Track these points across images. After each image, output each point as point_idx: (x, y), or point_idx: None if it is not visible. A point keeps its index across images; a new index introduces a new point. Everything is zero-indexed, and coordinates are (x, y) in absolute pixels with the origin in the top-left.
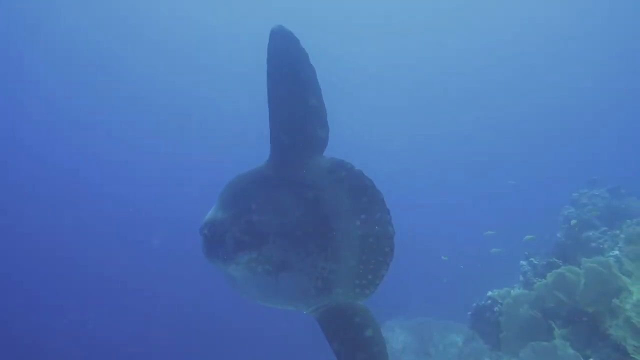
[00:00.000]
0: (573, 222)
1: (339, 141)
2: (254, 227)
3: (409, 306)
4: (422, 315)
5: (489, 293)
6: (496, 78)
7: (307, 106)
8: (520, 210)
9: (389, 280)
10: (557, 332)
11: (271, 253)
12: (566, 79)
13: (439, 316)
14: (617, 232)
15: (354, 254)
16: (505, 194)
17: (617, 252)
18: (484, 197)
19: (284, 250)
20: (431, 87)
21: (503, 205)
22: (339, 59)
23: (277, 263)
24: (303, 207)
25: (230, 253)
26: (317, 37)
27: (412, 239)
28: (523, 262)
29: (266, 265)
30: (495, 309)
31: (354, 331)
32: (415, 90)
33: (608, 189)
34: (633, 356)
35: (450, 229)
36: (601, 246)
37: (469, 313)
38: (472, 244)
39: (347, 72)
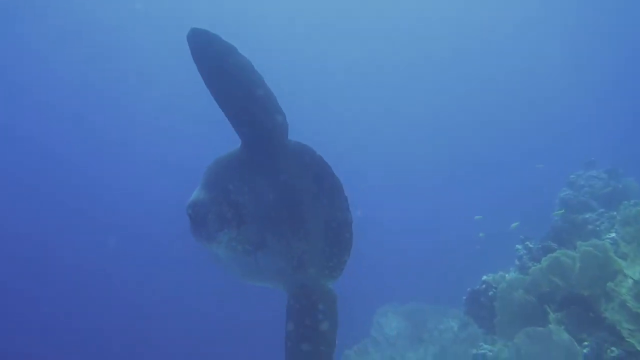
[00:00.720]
0: (558, 212)
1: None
2: (232, 208)
3: (402, 292)
4: (416, 300)
5: (484, 277)
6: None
7: (254, 97)
8: (516, 193)
9: (381, 265)
10: (552, 316)
11: (249, 233)
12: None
13: (432, 301)
14: (614, 213)
15: (321, 237)
16: (501, 176)
17: (613, 235)
18: (480, 180)
19: (260, 230)
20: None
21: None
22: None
23: (255, 243)
24: (275, 191)
25: (212, 232)
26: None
27: (401, 223)
28: (518, 246)
29: (245, 244)
30: (490, 293)
31: (312, 319)
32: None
33: (606, 170)
34: (628, 340)
35: (446, 211)
36: (598, 229)
37: (464, 298)
38: (467, 227)
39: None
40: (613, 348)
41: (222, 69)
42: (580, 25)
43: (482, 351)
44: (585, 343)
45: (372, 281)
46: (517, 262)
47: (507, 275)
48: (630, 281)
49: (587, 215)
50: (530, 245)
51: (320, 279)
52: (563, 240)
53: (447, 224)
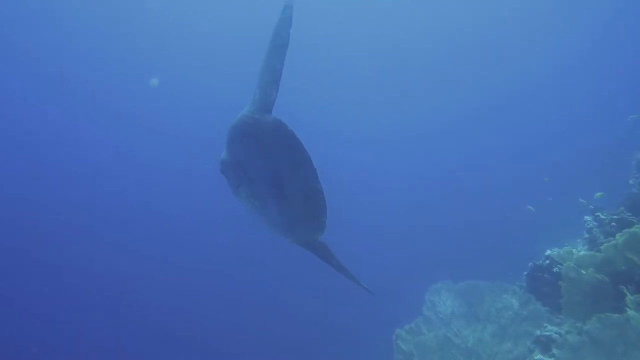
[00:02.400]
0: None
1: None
2: (243, 169)
3: (454, 268)
4: (470, 277)
5: (547, 252)
6: None
7: (275, 70)
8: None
9: (431, 241)
10: (630, 298)
11: (258, 190)
12: None
13: (487, 277)
14: None
15: (301, 203)
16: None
17: None
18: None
19: (263, 189)
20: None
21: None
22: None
23: (262, 200)
24: (262, 158)
25: (234, 188)
26: None
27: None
28: (587, 218)
29: (258, 200)
30: (555, 269)
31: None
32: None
33: None
34: None
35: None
36: None
37: (525, 273)
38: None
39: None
40: None
41: (284, 38)
42: None
43: (547, 333)
44: None
45: (423, 258)
46: (585, 235)
47: (574, 250)
48: None
49: None
50: (602, 217)
51: (310, 236)
52: None
53: (499, 191)
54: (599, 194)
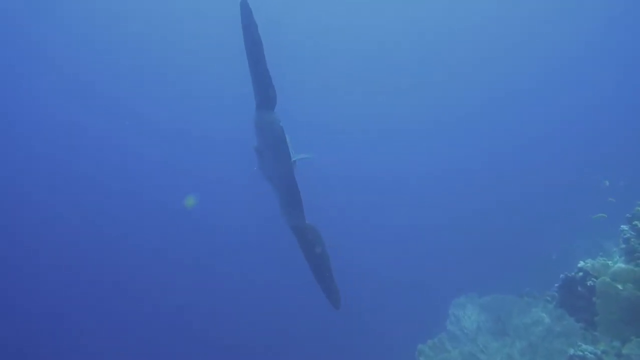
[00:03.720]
0: None
1: None
2: (261, 154)
3: (480, 280)
4: (497, 290)
5: (580, 264)
6: None
7: (261, 71)
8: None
9: (456, 252)
10: None
11: (267, 174)
12: None
13: (515, 290)
14: None
15: (283, 190)
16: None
17: None
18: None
19: (268, 173)
20: None
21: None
22: None
23: (269, 181)
24: (267, 148)
25: (258, 167)
26: None
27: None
28: (624, 227)
29: (268, 181)
30: (589, 283)
31: (309, 246)
32: None
33: None
34: None
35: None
36: None
37: (556, 285)
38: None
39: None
40: None
41: (255, 39)
42: None
43: (582, 352)
44: None
45: (447, 269)
46: (622, 246)
47: (610, 262)
48: None
49: None
50: None
51: (295, 221)
52: None
53: (528, 200)
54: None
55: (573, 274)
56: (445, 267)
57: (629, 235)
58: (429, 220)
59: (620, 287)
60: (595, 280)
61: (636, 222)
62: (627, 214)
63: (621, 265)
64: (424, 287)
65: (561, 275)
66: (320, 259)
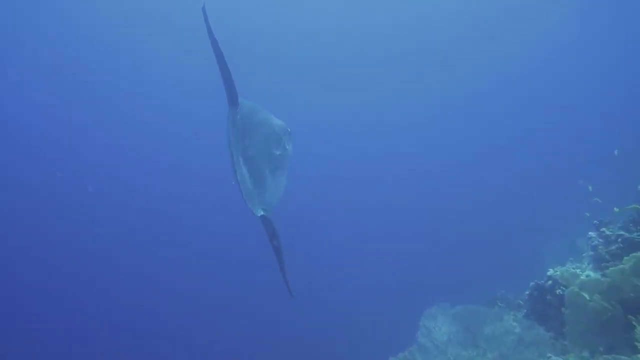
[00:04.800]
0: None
1: None
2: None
3: (451, 290)
4: (468, 299)
5: (550, 272)
6: None
7: (224, 72)
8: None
9: (425, 260)
10: (639, 330)
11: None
12: None
13: (486, 297)
14: None
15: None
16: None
17: None
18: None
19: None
20: None
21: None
22: None
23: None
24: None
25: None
26: None
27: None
28: (592, 234)
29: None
30: (558, 291)
31: (270, 236)
32: None
33: None
34: None
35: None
36: None
37: (526, 293)
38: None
39: None
40: None
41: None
42: None
43: None
44: None
45: (416, 279)
46: (590, 253)
47: (578, 270)
48: None
49: None
50: (608, 233)
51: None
52: None
53: (500, 205)
54: (616, 209)
55: (542, 281)
56: (423, 271)
57: (596, 242)
58: (405, 223)
59: (587, 297)
60: (564, 288)
61: (604, 229)
62: (595, 220)
63: (590, 273)
64: (398, 294)
65: (531, 283)
66: (276, 251)
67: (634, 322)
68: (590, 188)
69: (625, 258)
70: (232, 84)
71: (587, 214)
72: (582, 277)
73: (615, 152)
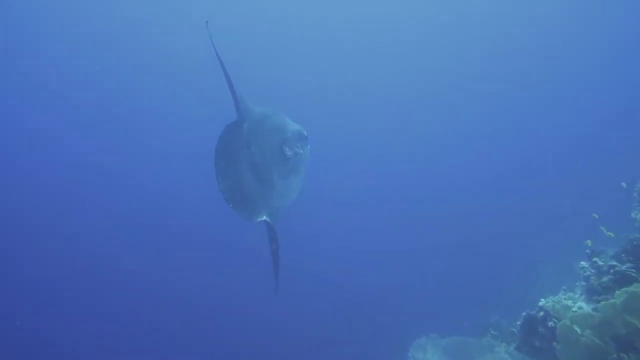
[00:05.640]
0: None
1: None
2: None
3: (441, 320)
4: (458, 330)
5: (541, 302)
6: None
7: (231, 88)
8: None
9: (417, 289)
10: None
11: None
12: None
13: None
14: None
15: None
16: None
17: None
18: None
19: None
20: None
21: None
22: None
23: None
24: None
25: None
26: None
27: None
28: (584, 264)
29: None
30: (550, 323)
31: (271, 240)
32: None
33: None
34: None
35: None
36: None
37: (518, 323)
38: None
39: None
40: None
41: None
42: None
43: None
44: None
45: (406, 308)
46: (582, 283)
47: (570, 302)
48: None
49: None
50: (600, 263)
51: (270, 219)
52: None
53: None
54: (609, 233)
55: (534, 312)
56: (414, 293)
57: (588, 273)
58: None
59: (579, 331)
60: (556, 321)
61: (596, 258)
62: (587, 250)
63: (582, 304)
64: (387, 319)
65: (523, 313)
66: (273, 253)
67: None
68: (595, 216)
69: (616, 292)
70: (235, 97)
71: (589, 242)
72: (573, 310)
73: (623, 184)
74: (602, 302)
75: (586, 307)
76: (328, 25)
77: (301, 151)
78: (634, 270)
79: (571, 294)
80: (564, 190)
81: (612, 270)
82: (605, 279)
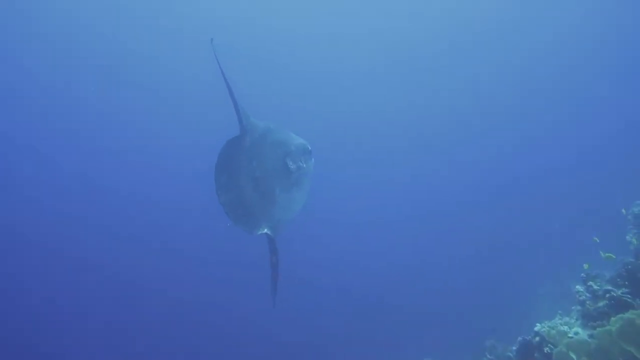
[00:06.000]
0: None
1: None
2: None
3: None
4: (454, 357)
5: (537, 327)
6: None
7: (234, 103)
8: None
9: (413, 313)
10: None
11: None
12: None
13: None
14: None
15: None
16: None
17: None
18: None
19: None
20: None
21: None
22: None
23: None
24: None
25: None
26: None
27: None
28: (579, 288)
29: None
30: (546, 349)
31: (271, 253)
32: None
33: None
34: None
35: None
36: None
37: (514, 348)
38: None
39: None
40: None
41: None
42: None
43: None
44: None
45: (402, 328)
46: (578, 307)
47: (566, 327)
48: None
49: None
50: (595, 287)
51: (272, 232)
52: None
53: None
54: (608, 254)
55: (530, 337)
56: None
57: (584, 297)
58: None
59: (575, 358)
60: (552, 347)
61: (591, 282)
62: (582, 274)
63: (578, 330)
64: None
65: (519, 338)
66: (273, 266)
67: None
68: (596, 240)
69: (612, 319)
70: (238, 112)
71: (586, 265)
72: (570, 336)
73: (623, 210)
74: (598, 329)
75: (582, 333)
76: (334, 40)
77: (304, 165)
78: (629, 296)
79: (567, 319)
80: (558, 214)
81: (607, 295)
82: (600, 304)
